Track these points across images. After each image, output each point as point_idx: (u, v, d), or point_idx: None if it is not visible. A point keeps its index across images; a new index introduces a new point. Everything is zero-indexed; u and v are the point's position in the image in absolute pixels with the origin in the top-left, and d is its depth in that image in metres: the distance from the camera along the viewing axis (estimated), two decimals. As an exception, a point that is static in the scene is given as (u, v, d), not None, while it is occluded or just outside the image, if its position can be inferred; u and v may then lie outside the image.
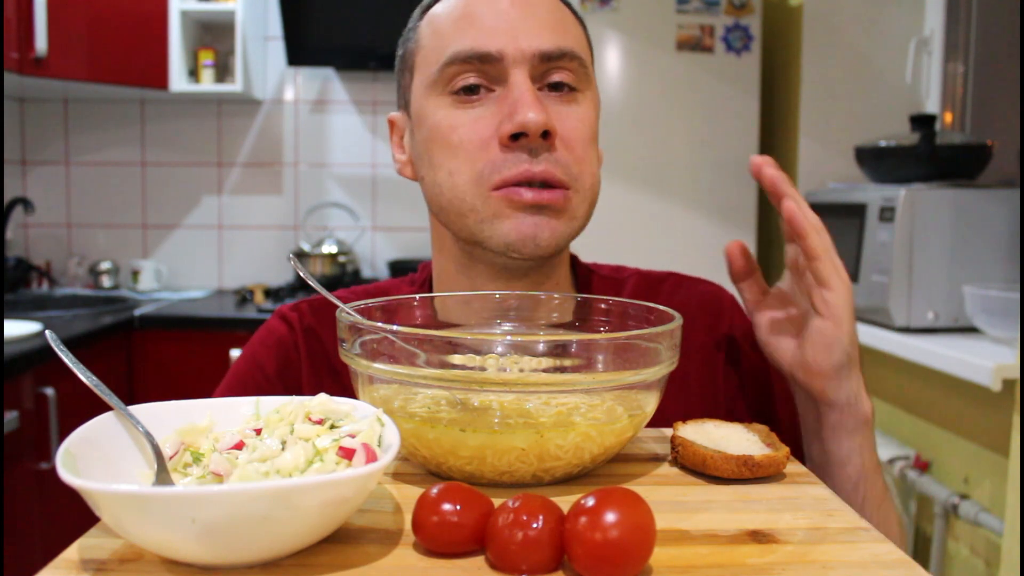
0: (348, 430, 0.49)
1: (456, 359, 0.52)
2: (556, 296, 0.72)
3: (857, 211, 1.93)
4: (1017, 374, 1.42)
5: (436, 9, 0.76)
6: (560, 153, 0.72)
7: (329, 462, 0.46)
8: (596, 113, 0.77)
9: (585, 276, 0.87)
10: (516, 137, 0.70)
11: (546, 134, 0.70)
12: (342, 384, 0.80)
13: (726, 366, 0.84)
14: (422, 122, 0.76)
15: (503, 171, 0.71)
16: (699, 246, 2.35)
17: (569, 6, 0.79)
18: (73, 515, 1.92)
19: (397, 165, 0.82)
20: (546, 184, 0.71)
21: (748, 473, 0.55)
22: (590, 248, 1.09)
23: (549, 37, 0.72)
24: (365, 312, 0.63)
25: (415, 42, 0.78)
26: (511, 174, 0.71)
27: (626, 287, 0.87)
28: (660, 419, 0.66)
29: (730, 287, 0.93)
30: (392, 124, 0.83)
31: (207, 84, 2.72)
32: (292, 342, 0.83)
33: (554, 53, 0.72)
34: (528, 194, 0.71)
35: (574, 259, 0.88)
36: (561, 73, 0.73)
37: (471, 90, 0.72)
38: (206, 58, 2.74)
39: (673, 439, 0.60)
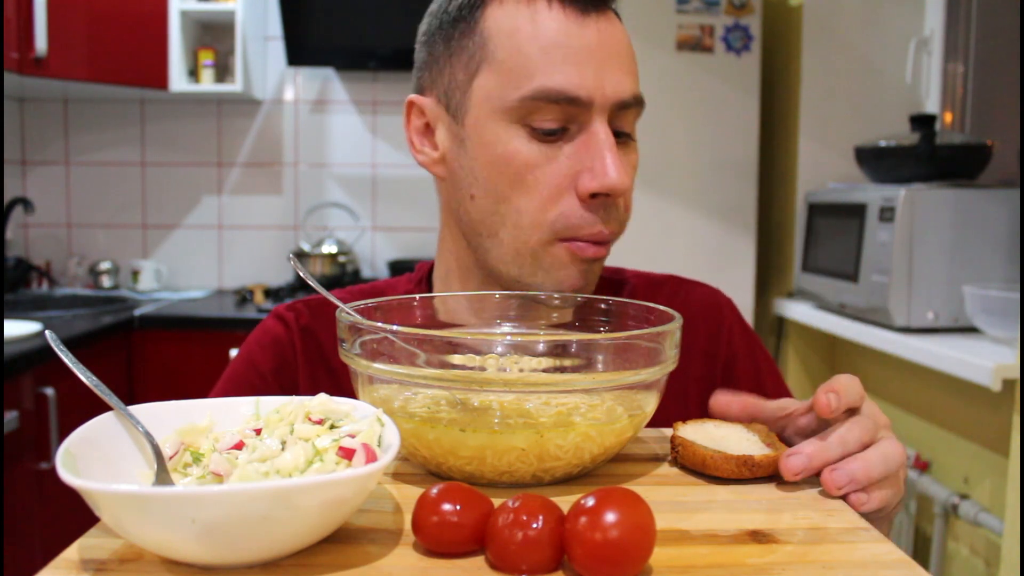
0: (348, 430, 0.49)
1: (456, 359, 0.52)
2: (556, 296, 0.72)
3: (857, 211, 1.93)
4: (1017, 374, 1.42)
5: (501, 12, 0.70)
6: (619, 208, 0.72)
7: (329, 462, 0.46)
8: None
9: None
10: (595, 195, 0.69)
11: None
12: (339, 384, 0.79)
13: (724, 369, 0.85)
14: (482, 140, 0.71)
15: (577, 229, 0.70)
16: (699, 246, 2.35)
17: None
18: (73, 515, 1.92)
19: (421, 156, 0.77)
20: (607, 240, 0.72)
21: (748, 473, 0.55)
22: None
23: (629, 83, 0.71)
24: (365, 312, 0.63)
25: (476, 42, 0.71)
26: (584, 233, 0.70)
27: (625, 289, 0.87)
28: (660, 421, 0.66)
29: (730, 290, 0.94)
30: (412, 107, 0.77)
31: (207, 84, 2.72)
32: (288, 341, 0.82)
33: (630, 102, 0.71)
34: (590, 250, 0.71)
35: None
36: (627, 121, 0.73)
37: (552, 132, 0.70)
38: (206, 58, 2.74)
39: (673, 439, 0.60)
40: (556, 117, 0.69)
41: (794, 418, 0.61)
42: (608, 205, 0.70)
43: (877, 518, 0.61)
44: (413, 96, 0.77)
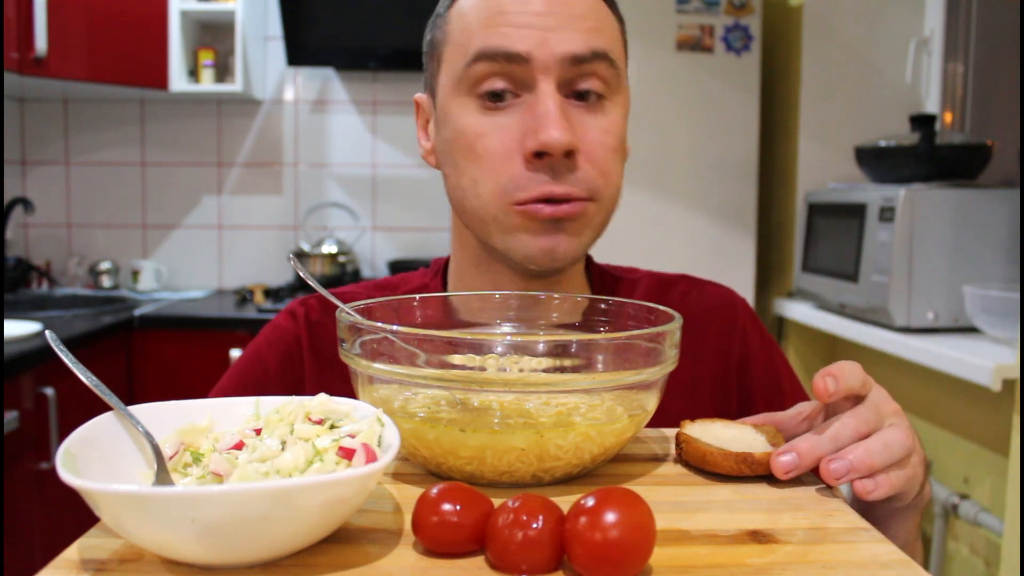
0: (348, 430, 0.49)
1: (456, 359, 0.52)
2: (556, 296, 0.72)
3: (857, 211, 1.93)
4: (1017, 374, 1.42)
5: (462, 1, 0.74)
6: (583, 170, 0.71)
7: (329, 462, 0.46)
8: (624, 117, 0.75)
9: (599, 276, 0.87)
10: (540, 155, 0.69)
11: (569, 153, 0.69)
12: (346, 380, 0.80)
13: (738, 368, 0.84)
14: (447, 120, 0.74)
15: (525, 190, 0.70)
16: (699, 246, 2.35)
17: (609, 4, 0.75)
18: (73, 515, 1.92)
19: (421, 150, 0.81)
20: (566, 199, 0.71)
21: (747, 470, 0.55)
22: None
23: (581, 38, 0.70)
24: (365, 312, 0.63)
25: (443, 31, 0.75)
26: (532, 194, 0.70)
27: (639, 288, 0.87)
28: (670, 420, 0.66)
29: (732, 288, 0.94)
30: (418, 106, 0.81)
31: (207, 84, 2.72)
32: (295, 336, 0.83)
33: (585, 56, 0.70)
34: (547, 209, 0.70)
35: (588, 259, 0.88)
36: (590, 80, 0.71)
37: (498, 96, 0.71)
38: (206, 58, 2.74)
39: (678, 436, 0.60)
40: (498, 78, 0.70)
41: (812, 419, 0.61)
42: (557, 164, 0.69)
43: (900, 509, 0.61)
44: (417, 95, 0.81)
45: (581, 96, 0.71)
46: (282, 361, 0.82)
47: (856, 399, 0.57)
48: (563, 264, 0.73)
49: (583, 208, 0.72)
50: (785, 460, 0.54)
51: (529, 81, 0.70)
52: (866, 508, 0.61)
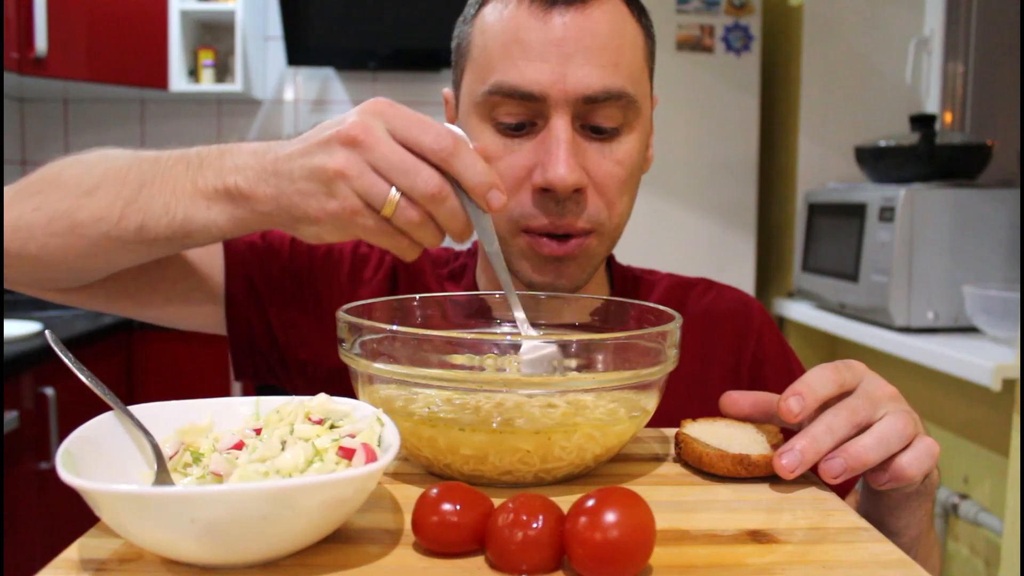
0: (348, 430, 0.49)
1: (456, 359, 0.52)
2: (557, 296, 0.72)
3: (857, 211, 1.93)
4: (1017, 374, 1.42)
5: (488, 10, 0.73)
6: (590, 203, 0.71)
7: (329, 462, 0.46)
8: (641, 144, 0.74)
9: (620, 276, 0.89)
10: (547, 189, 0.70)
11: (577, 190, 0.70)
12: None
13: (751, 372, 0.84)
14: (466, 133, 0.75)
15: (530, 221, 0.71)
16: (699, 246, 2.35)
17: (636, 13, 0.74)
18: (73, 515, 1.92)
19: None
20: (569, 235, 0.72)
21: (744, 472, 0.55)
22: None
23: (598, 75, 0.68)
24: (365, 312, 0.63)
25: (468, 40, 0.74)
26: (536, 225, 0.71)
27: (657, 289, 0.88)
28: (678, 418, 0.65)
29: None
30: (447, 101, 0.81)
31: (207, 84, 2.72)
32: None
33: (599, 96, 0.69)
34: (547, 248, 0.72)
35: (610, 258, 0.89)
36: (604, 117, 0.70)
37: (514, 127, 0.71)
38: (206, 58, 2.74)
39: (677, 436, 0.60)
40: (515, 112, 0.70)
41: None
42: (561, 199, 0.70)
43: (910, 496, 0.60)
44: (445, 90, 0.82)
45: (597, 130, 0.71)
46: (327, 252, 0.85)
47: (845, 395, 0.57)
48: (565, 291, 0.74)
49: (584, 245, 0.73)
50: (789, 460, 0.53)
51: (545, 113, 0.70)
52: (876, 497, 0.61)
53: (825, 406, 0.56)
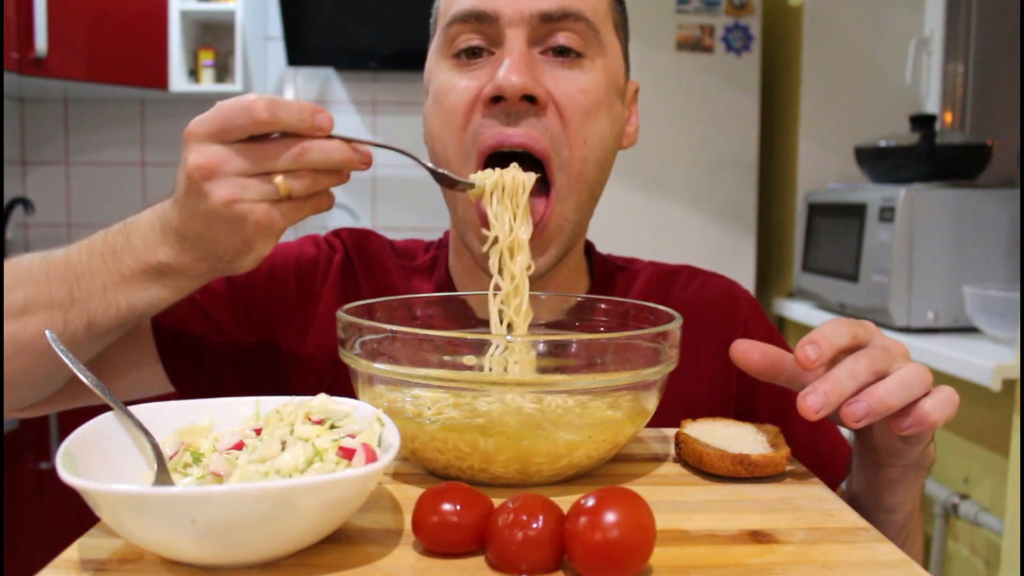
0: (348, 430, 0.49)
1: (456, 359, 0.52)
2: (556, 296, 0.72)
3: (857, 211, 1.93)
4: (1017, 374, 1.42)
5: None
6: (549, 120, 0.69)
7: (329, 462, 0.46)
8: (607, 83, 0.72)
9: (601, 265, 0.86)
10: (496, 100, 0.67)
11: (533, 100, 0.67)
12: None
13: None
14: (428, 89, 0.75)
15: (480, 137, 0.69)
16: (699, 246, 2.35)
17: None
18: (73, 515, 1.92)
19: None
20: (527, 154, 0.68)
21: (744, 472, 0.55)
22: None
23: None
24: (365, 312, 0.63)
25: (436, 9, 0.76)
26: (485, 141, 0.68)
27: (640, 278, 0.86)
28: (668, 410, 0.65)
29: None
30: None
31: (207, 84, 2.72)
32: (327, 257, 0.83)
33: (555, 13, 0.68)
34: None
35: (589, 248, 0.86)
36: (564, 36, 0.69)
37: (472, 53, 0.70)
38: (206, 58, 2.74)
39: (677, 435, 0.60)
40: (471, 37, 0.70)
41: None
42: (513, 111, 0.68)
43: (908, 468, 0.60)
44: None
45: (560, 52, 0.70)
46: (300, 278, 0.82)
47: (857, 348, 0.56)
48: (539, 271, 0.70)
49: (548, 219, 0.69)
50: (813, 400, 0.52)
51: (500, 38, 0.69)
52: (874, 472, 0.61)
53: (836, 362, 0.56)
